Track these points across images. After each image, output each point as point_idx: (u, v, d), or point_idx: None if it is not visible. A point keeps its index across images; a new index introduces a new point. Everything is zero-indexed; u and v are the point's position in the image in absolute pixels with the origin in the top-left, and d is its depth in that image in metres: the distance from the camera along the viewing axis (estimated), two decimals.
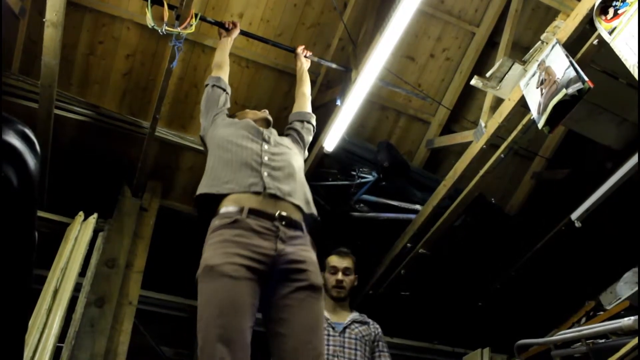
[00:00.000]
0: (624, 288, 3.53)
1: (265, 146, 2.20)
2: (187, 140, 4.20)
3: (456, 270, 4.54)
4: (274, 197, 1.98)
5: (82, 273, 3.48)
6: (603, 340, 2.76)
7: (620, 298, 3.49)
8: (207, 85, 2.58)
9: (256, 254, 1.83)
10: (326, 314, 2.67)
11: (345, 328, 2.78)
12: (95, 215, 3.72)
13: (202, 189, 2.06)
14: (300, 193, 2.10)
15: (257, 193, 1.97)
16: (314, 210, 2.13)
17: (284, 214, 1.95)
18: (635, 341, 2.27)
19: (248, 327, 1.73)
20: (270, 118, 2.53)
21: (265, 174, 2.04)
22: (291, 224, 1.97)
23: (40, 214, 3.62)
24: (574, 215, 3.63)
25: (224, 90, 2.56)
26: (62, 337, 3.14)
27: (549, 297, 4.45)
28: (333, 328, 2.77)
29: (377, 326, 2.91)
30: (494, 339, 4.28)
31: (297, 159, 2.30)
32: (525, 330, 3.62)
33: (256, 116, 2.49)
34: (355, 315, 2.89)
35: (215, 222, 1.95)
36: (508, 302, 4.63)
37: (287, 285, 1.87)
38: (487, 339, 4.36)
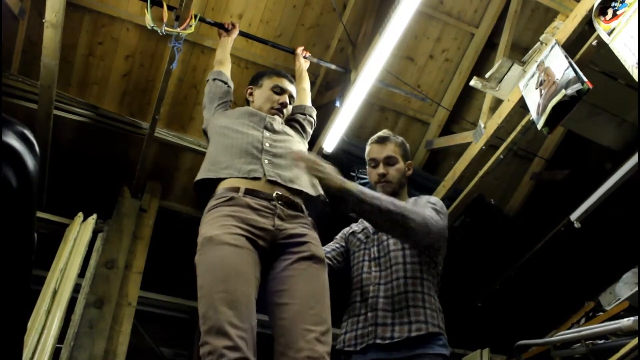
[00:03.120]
0: (624, 289, 3.54)
1: (267, 133, 2.15)
2: (186, 141, 4.20)
3: (455, 271, 4.53)
4: (274, 183, 1.93)
5: (81, 274, 3.48)
6: (602, 341, 2.77)
7: (619, 299, 3.50)
8: (208, 80, 2.53)
9: (255, 229, 1.76)
10: None
11: None
12: (94, 216, 3.72)
13: (201, 174, 2.01)
14: (305, 177, 2.02)
15: (256, 179, 1.92)
16: (322, 192, 2.02)
17: (280, 193, 1.89)
18: (634, 342, 2.27)
19: (253, 294, 1.62)
20: (284, 111, 2.37)
21: (266, 161, 2.00)
22: (290, 204, 1.90)
23: (40, 214, 3.62)
24: (574, 216, 3.63)
25: (226, 83, 2.51)
26: (61, 338, 3.14)
27: (549, 298, 4.45)
28: None
29: None
30: (494, 340, 4.28)
31: (300, 146, 2.23)
32: (525, 331, 3.62)
33: (272, 102, 2.34)
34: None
35: (212, 202, 1.88)
36: (507, 303, 4.63)
37: (287, 258, 1.77)
38: (486, 340, 4.36)
